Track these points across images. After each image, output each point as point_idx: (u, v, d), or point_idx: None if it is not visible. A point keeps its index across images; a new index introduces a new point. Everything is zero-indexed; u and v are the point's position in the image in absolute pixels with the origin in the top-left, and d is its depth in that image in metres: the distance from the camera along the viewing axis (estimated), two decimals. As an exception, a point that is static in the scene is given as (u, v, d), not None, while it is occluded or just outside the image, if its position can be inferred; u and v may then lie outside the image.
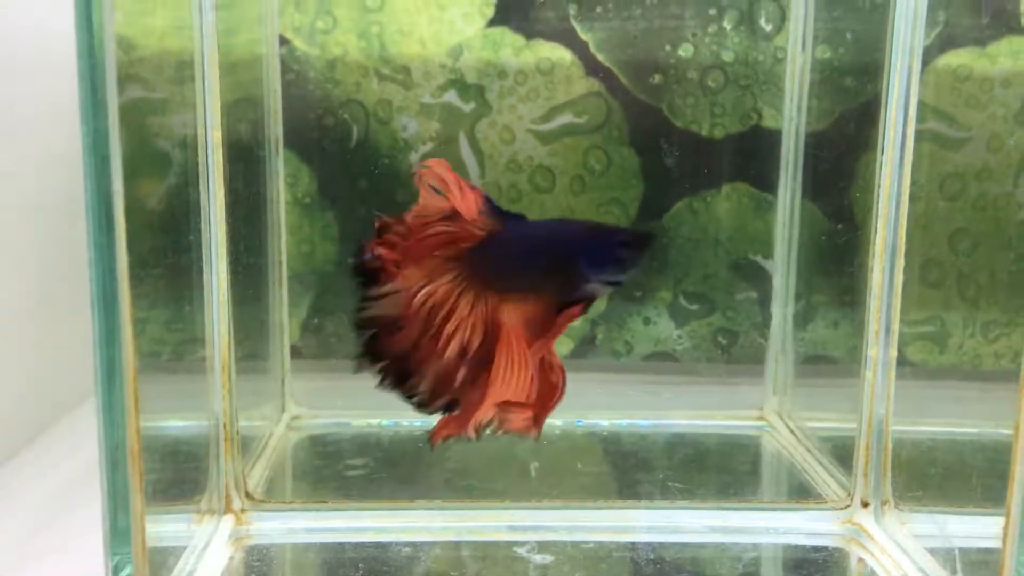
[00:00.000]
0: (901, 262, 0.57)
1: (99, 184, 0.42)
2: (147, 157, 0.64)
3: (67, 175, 0.81)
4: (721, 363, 0.86)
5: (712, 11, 0.81)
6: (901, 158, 0.56)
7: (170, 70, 0.61)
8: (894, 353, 0.58)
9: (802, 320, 0.81)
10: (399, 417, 0.79)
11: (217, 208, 0.55)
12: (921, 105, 0.79)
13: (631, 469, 0.74)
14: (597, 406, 0.83)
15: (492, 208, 0.56)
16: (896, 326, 0.57)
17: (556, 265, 0.56)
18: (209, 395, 0.56)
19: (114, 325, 0.39)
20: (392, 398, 0.83)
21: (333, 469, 0.73)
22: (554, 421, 0.80)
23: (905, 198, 0.56)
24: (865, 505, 0.64)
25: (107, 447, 0.40)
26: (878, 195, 0.57)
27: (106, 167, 0.41)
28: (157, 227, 0.54)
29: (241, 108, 0.73)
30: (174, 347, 0.55)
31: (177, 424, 0.55)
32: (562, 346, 0.87)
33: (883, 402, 0.59)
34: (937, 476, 0.64)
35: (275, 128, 0.76)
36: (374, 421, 0.79)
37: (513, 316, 0.58)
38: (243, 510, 0.61)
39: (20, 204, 0.79)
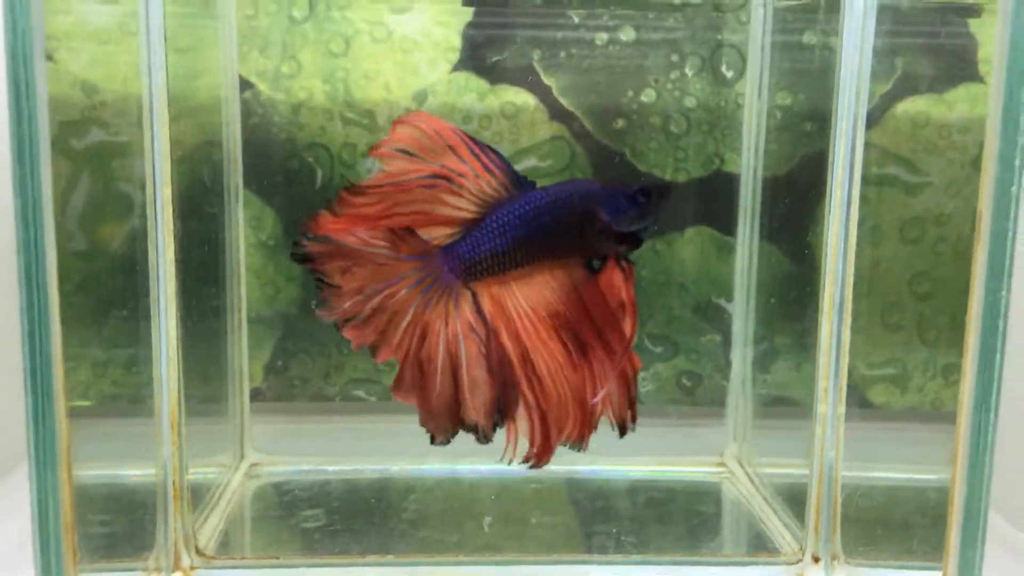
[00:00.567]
0: (849, 308, 0.57)
1: (30, 227, 0.41)
2: (101, 201, 0.64)
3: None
4: (685, 406, 0.86)
5: (675, 57, 0.82)
6: (848, 210, 0.56)
7: (131, 114, 0.62)
8: (843, 404, 0.58)
9: (763, 364, 0.81)
10: (361, 463, 0.79)
11: (166, 252, 0.55)
12: (880, 151, 0.80)
13: (589, 520, 0.73)
14: (558, 450, 0.82)
15: (509, 171, 0.56)
16: (845, 372, 0.57)
17: (576, 219, 0.55)
18: (157, 443, 0.56)
19: (45, 371, 0.39)
20: (353, 443, 0.84)
21: (289, 521, 0.72)
22: (514, 468, 0.80)
23: (852, 251, 0.56)
24: (816, 560, 0.63)
25: (37, 499, 0.39)
26: (826, 246, 0.58)
27: (37, 215, 0.41)
28: (104, 270, 0.54)
29: (202, 152, 0.73)
30: (121, 395, 0.55)
31: (122, 474, 0.54)
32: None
33: (833, 449, 0.59)
34: (893, 527, 0.64)
35: (235, 175, 0.77)
36: (334, 468, 0.79)
37: (523, 298, 0.57)
38: (192, 567, 0.60)
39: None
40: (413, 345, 0.58)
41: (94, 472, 0.44)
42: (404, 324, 0.57)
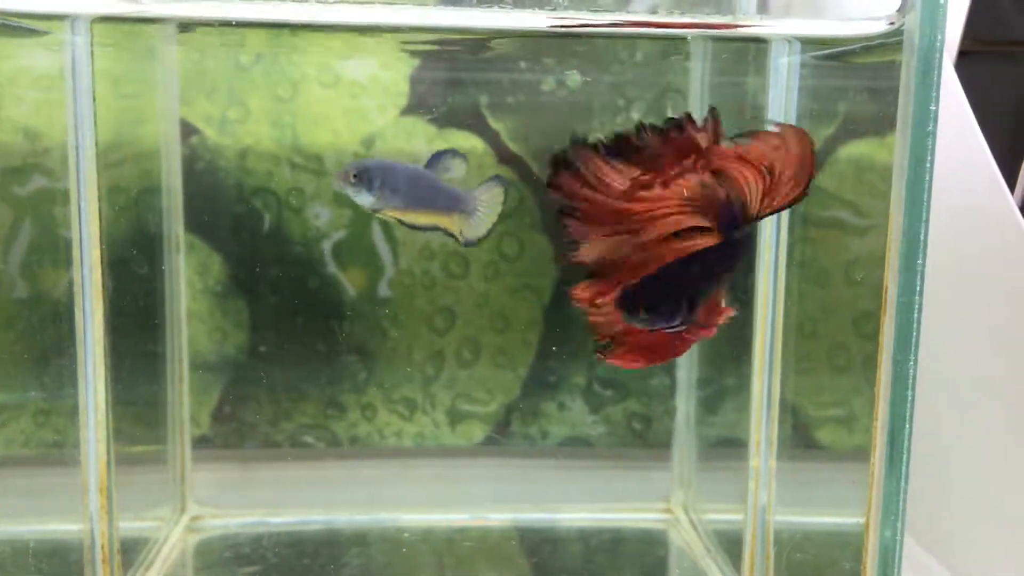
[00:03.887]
0: (779, 354, 0.57)
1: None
2: (34, 247, 0.63)
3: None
4: (635, 448, 0.86)
5: (620, 101, 0.83)
6: (776, 252, 0.56)
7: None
8: (774, 458, 0.58)
9: (707, 407, 0.81)
10: (306, 514, 0.78)
11: (93, 297, 0.55)
12: (825, 194, 0.81)
13: (535, 571, 0.72)
14: (509, 497, 0.82)
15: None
16: (775, 414, 0.58)
17: None
18: (83, 495, 0.55)
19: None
20: (300, 492, 0.83)
21: (227, 580, 0.71)
22: (460, 515, 0.80)
23: (781, 292, 0.56)
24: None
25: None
26: (757, 287, 0.58)
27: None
28: (41, 318, 0.54)
29: (143, 199, 0.73)
30: (52, 445, 0.54)
31: (47, 528, 0.53)
32: (476, 432, 0.86)
33: (766, 494, 0.59)
34: (828, 573, 0.64)
35: (176, 223, 0.76)
36: (277, 520, 0.78)
37: None
38: (123, 631, 0.59)
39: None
40: None
41: (21, 528, 0.43)
42: None
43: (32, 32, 0.54)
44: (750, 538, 0.60)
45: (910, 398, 0.46)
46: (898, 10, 0.48)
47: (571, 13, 0.52)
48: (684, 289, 0.52)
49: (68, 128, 0.54)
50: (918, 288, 0.46)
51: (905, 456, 0.47)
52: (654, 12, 0.80)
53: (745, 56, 0.67)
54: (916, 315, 0.46)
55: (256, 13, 0.62)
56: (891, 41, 0.49)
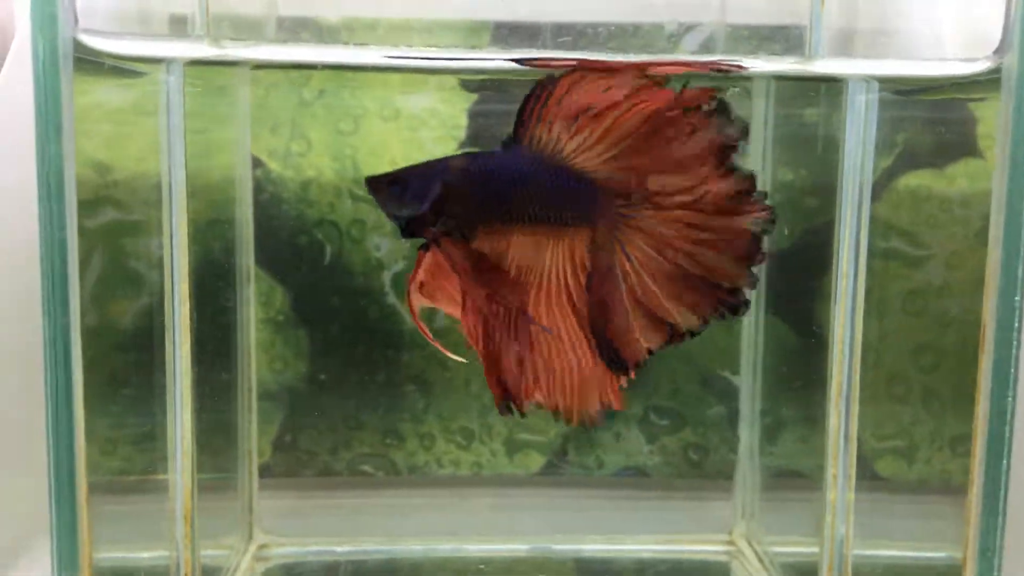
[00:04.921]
0: (858, 379, 0.57)
1: (57, 306, 0.42)
2: (115, 278, 0.65)
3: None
4: (693, 478, 0.86)
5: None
6: (854, 283, 0.57)
7: (144, 193, 0.63)
8: (852, 490, 0.58)
9: (770, 438, 0.81)
10: (369, 543, 0.78)
11: (182, 329, 0.56)
12: (882, 224, 0.81)
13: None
14: (564, 528, 0.82)
15: None
16: (854, 444, 0.58)
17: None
18: (170, 525, 0.55)
19: (67, 453, 0.40)
20: (360, 521, 0.83)
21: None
22: (522, 545, 0.80)
23: (860, 322, 0.57)
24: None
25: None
26: (834, 318, 0.58)
27: (63, 294, 0.42)
28: (121, 347, 0.54)
29: (215, 230, 0.74)
30: (133, 471, 0.55)
31: (132, 556, 0.54)
32: (533, 461, 0.87)
33: (844, 527, 0.58)
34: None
35: (247, 254, 0.78)
36: (343, 548, 0.78)
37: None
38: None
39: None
40: None
41: (109, 555, 0.44)
42: None
43: (135, 74, 0.55)
44: (826, 571, 0.60)
45: (1007, 433, 0.46)
46: (995, 51, 0.49)
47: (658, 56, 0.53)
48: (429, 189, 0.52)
49: (161, 164, 0.55)
50: (1016, 323, 0.47)
51: (1002, 492, 0.47)
52: (706, 50, 0.81)
53: (812, 93, 0.68)
54: (1014, 350, 0.46)
55: (328, 56, 0.63)
56: (985, 79, 0.50)
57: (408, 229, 0.53)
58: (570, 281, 0.53)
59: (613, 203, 0.52)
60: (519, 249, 0.52)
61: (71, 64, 0.47)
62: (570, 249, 0.52)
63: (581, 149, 0.51)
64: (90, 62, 0.51)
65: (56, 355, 0.42)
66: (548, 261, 0.52)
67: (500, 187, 0.51)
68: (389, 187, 0.54)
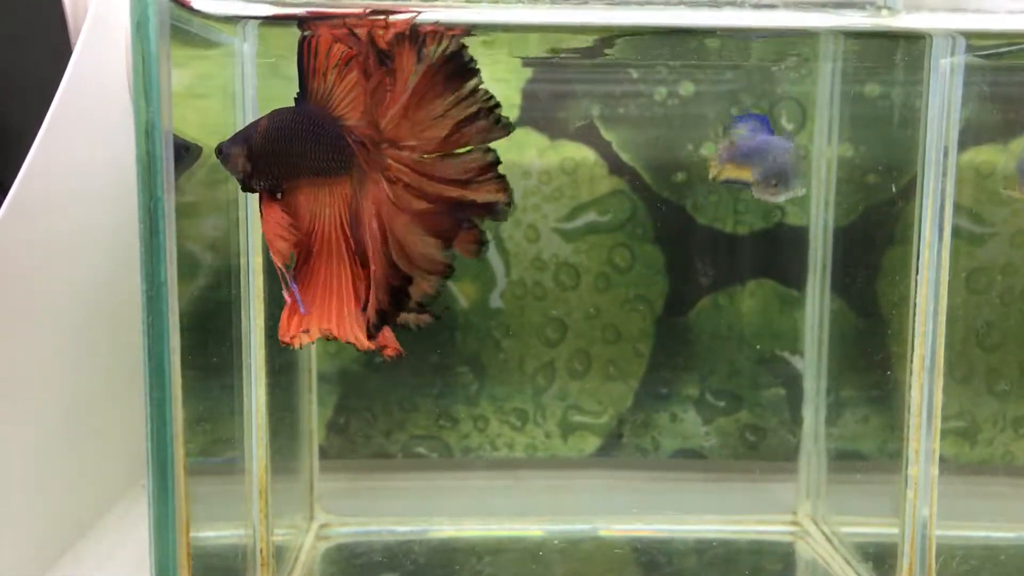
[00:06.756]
0: (941, 357, 0.56)
1: (155, 291, 0.41)
2: (195, 260, 0.64)
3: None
4: (753, 460, 0.85)
5: (733, 110, 0.82)
6: (937, 262, 0.55)
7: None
8: (935, 465, 0.57)
9: (834, 417, 0.80)
10: (426, 524, 0.78)
11: (256, 308, 0.55)
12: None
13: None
14: (622, 508, 0.81)
15: None
16: (938, 420, 0.56)
17: None
18: (247, 506, 0.55)
19: (164, 426, 0.39)
20: (416, 502, 0.82)
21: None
22: (580, 526, 0.79)
23: (943, 300, 0.55)
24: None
25: (157, 561, 0.39)
26: (914, 298, 0.57)
27: (158, 260, 0.41)
28: (202, 327, 0.54)
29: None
30: (213, 452, 0.54)
31: (213, 535, 0.53)
32: (588, 443, 0.86)
33: (927, 507, 0.57)
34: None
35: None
36: (402, 528, 0.78)
37: None
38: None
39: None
40: None
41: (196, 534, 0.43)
42: None
43: (208, 43, 0.54)
44: (908, 551, 0.59)
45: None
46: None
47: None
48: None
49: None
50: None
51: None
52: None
53: (888, 57, 0.66)
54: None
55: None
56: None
57: (243, 188, 0.55)
58: (346, 230, 0.53)
59: (365, 152, 0.52)
60: (311, 202, 0.54)
61: (168, 28, 0.45)
62: (341, 198, 0.53)
63: (341, 99, 0.52)
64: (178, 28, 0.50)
65: (152, 317, 0.41)
66: (328, 211, 0.53)
67: (291, 142, 0.53)
68: (217, 152, 0.54)
